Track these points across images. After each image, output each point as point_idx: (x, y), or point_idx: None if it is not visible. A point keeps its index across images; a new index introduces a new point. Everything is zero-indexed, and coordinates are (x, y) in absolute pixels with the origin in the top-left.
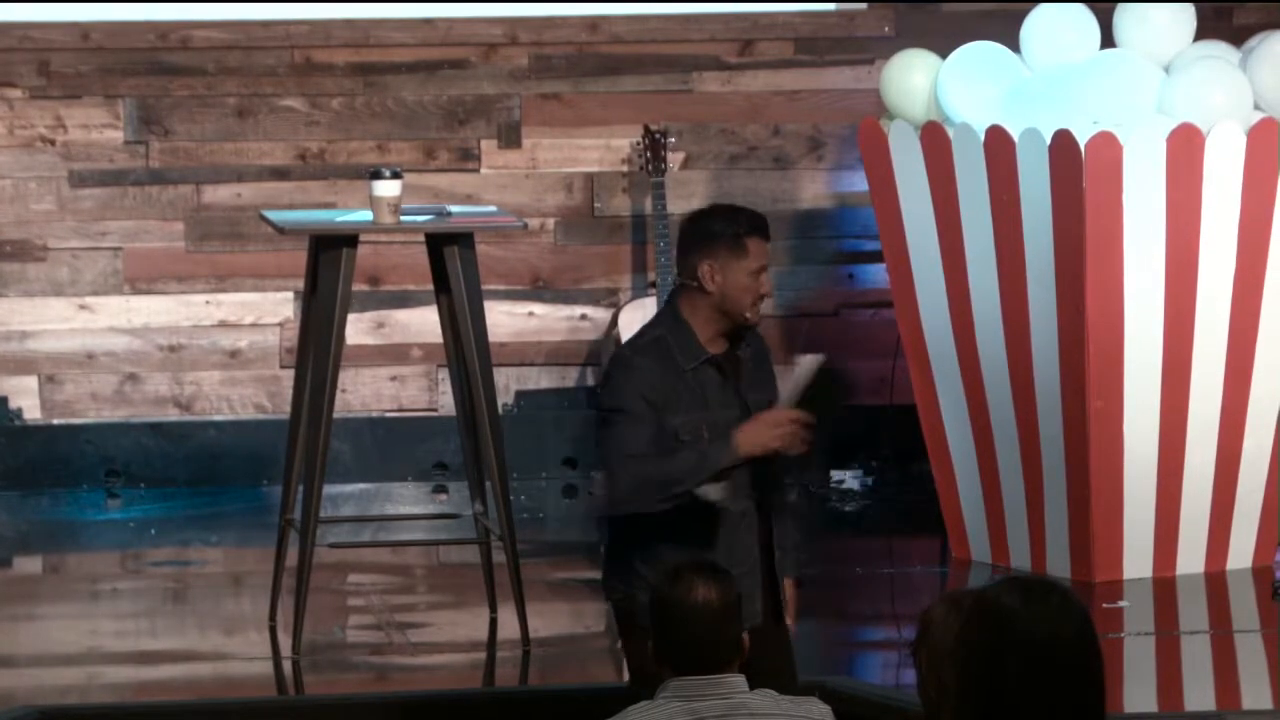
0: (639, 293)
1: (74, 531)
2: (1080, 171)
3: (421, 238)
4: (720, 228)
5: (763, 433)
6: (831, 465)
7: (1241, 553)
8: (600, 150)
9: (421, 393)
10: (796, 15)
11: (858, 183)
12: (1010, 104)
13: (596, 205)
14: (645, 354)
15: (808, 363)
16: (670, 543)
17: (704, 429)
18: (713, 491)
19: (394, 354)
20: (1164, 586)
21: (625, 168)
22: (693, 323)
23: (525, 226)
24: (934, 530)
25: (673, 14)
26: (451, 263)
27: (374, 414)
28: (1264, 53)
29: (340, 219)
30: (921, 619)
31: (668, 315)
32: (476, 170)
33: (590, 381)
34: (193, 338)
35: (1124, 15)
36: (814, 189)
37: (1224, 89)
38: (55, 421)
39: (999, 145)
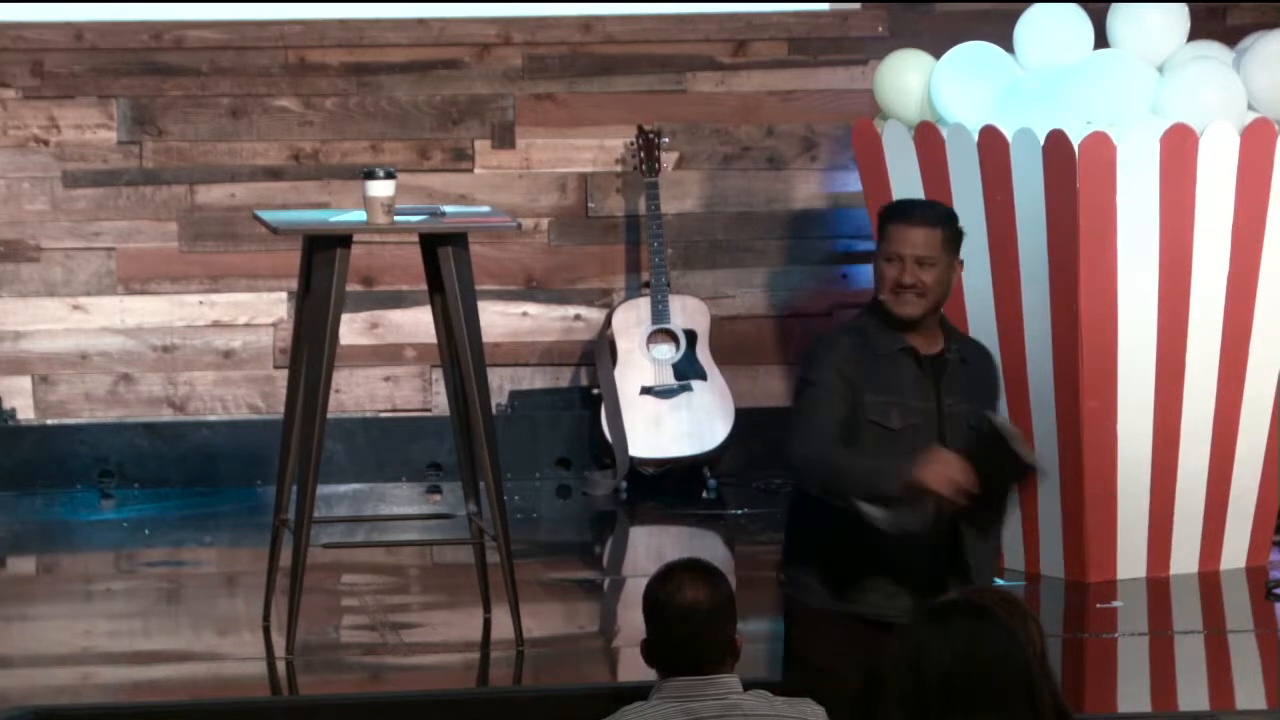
0: (632, 293)
1: (68, 532)
2: (1074, 172)
3: (415, 238)
4: (880, 218)
5: (936, 472)
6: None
7: (1236, 552)
8: (594, 150)
9: (415, 393)
10: (790, 15)
11: (851, 183)
12: (1004, 104)
13: (590, 205)
14: (847, 334)
15: (1000, 424)
16: (846, 545)
17: (893, 411)
18: (875, 512)
19: (388, 354)
20: (1158, 586)
21: (619, 168)
22: (884, 313)
23: (519, 227)
24: None
25: (666, 14)
26: (445, 263)
27: (368, 414)
28: (1257, 53)
29: (334, 219)
30: None
31: (869, 305)
32: (470, 170)
33: (584, 382)
34: (186, 338)
35: (1117, 15)
36: (808, 189)
37: (1218, 89)
38: (49, 422)
39: (993, 145)
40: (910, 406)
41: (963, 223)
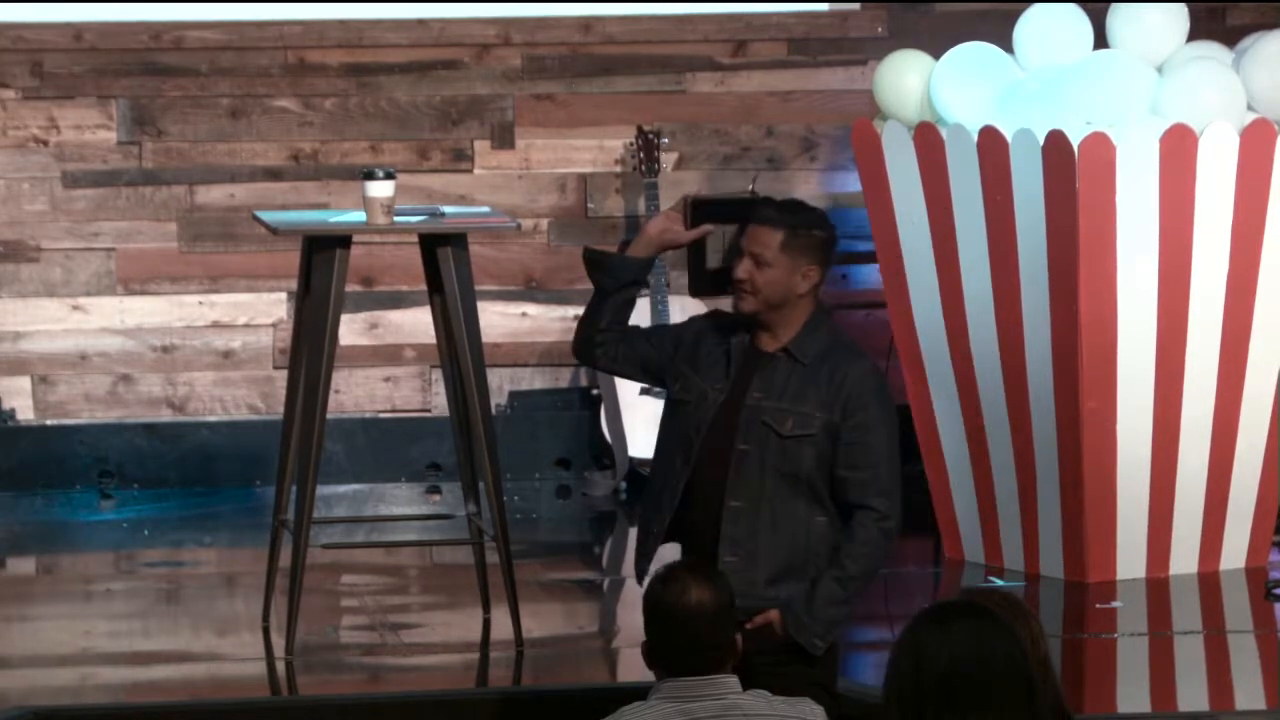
0: None
1: (68, 532)
2: (1073, 172)
3: (415, 238)
4: None
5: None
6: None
7: (1235, 553)
8: (593, 151)
9: (415, 393)
10: (790, 16)
11: (851, 183)
12: (1004, 104)
13: (590, 206)
14: (722, 315)
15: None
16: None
17: (677, 382)
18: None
19: (387, 355)
20: (1157, 587)
21: (618, 168)
22: None
23: (519, 227)
24: (927, 531)
25: (666, 14)
26: (445, 263)
27: (367, 415)
28: (1257, 53)
29: (333, 219)
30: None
31: None
32: (470, 171)
33: (583, 382)
34: (186, 338)
35: (1117, 15)
36: (807, 189)
37: (1217, 90)
38: (49, 422)
39: (992, 146)
40: (694, 385)
41: (962, 223)
